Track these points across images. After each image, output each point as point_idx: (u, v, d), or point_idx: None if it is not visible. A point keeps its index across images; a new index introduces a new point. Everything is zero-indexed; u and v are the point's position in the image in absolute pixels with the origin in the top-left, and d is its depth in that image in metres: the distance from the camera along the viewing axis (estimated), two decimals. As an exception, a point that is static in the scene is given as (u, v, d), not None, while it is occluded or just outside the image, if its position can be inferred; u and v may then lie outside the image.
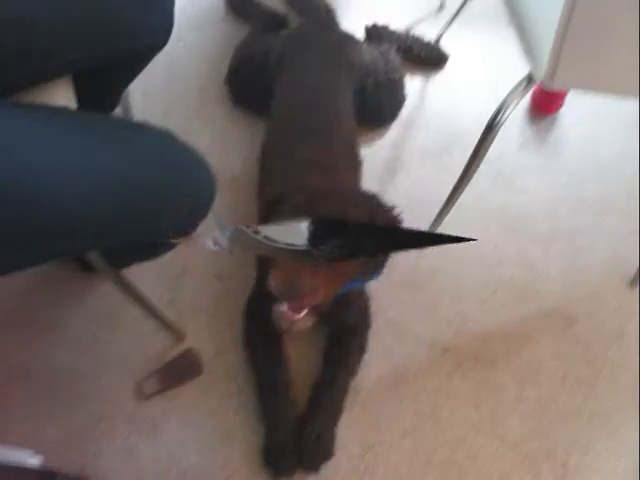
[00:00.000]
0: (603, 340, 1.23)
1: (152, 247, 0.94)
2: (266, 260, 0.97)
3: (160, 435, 1.09)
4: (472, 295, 1.27)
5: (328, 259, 0.79)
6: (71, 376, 1.14)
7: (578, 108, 1.55)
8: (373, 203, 0.96)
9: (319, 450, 1.05)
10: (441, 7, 1.72)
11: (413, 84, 1.56)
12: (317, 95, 1.25)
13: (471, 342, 1.22)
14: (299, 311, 0.96)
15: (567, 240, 1.36)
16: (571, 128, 1.52)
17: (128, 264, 1.17)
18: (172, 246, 0.93)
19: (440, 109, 1.54)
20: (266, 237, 0.80)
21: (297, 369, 1.14)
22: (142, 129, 0.80)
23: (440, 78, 1.60)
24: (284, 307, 0.96)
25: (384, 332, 1.21)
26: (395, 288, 1.26)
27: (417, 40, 1.59)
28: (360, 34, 1.56)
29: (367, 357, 1.16)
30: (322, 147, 1.16)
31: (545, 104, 1.52)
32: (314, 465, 1.05)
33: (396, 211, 0.98)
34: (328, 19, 1.55)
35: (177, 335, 1.17)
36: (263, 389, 1.10)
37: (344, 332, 1.14)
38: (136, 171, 0.73)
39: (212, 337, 1.19)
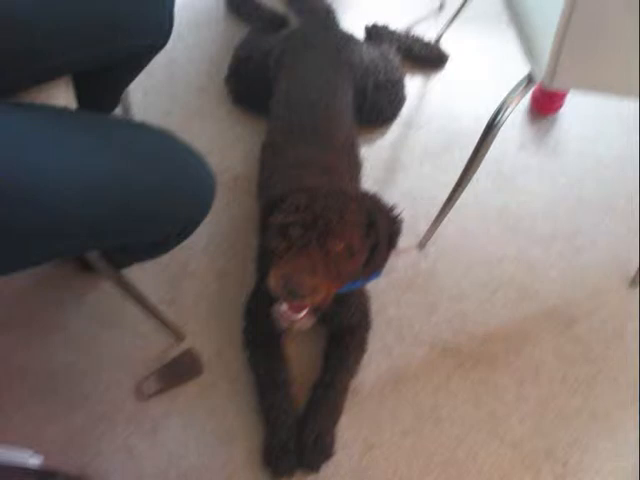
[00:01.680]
0: (603, 340, 1.23)
1: (152, 247, 0.94)
2: (266, 260, 0.97)
3: (160, 435, 1.09)
4: (472, 295, 1.27)
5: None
6: (71, 376, 1.14)
7: (578, 108, 1.55)
8: (373, 203, 0.96)
9: (319, 450, 1.05)
10: (441, 7, 1.72)
11: (413, 84, 1.57)
12: (317, 95, 1.25)
13: (471, 342, 1.22)
14: (299, 311, 0.96)
15: (567, 240, 1.36)
16: (571, 128, 1.52)
17: (128, 264, 1.17)
18: (172, 246, 0.93)
19: (440, 109, 1.54)
20: None
21: (297, 369, 1.14)
22: (142, 129, 0.81)
23: (440, 78, 1.60)
24: (284, 307, 0.96)
25: (384, 332, 1.21)
26: (395, 288, 1.27)
27: (417, 40, 1.59)
28: (360, 34, 1.56)
29: (367, 357, 1.16)
30: (322, 147, 1.16)
31: (545, 104, 1.52)
32: (314, 465, 1.05)
33: (396, 211, 0.98)
34: (328, 19, 1.55)
35: (177, 335, 1.17)
36: (263, 389, 1.10)
37: (344, 332, 1.14)
38: (136, 171, 0.74)
39: (212, 337, 1.19)
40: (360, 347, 1.15)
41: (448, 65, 1.61)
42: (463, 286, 1.28)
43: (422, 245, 1.32)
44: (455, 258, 1.32)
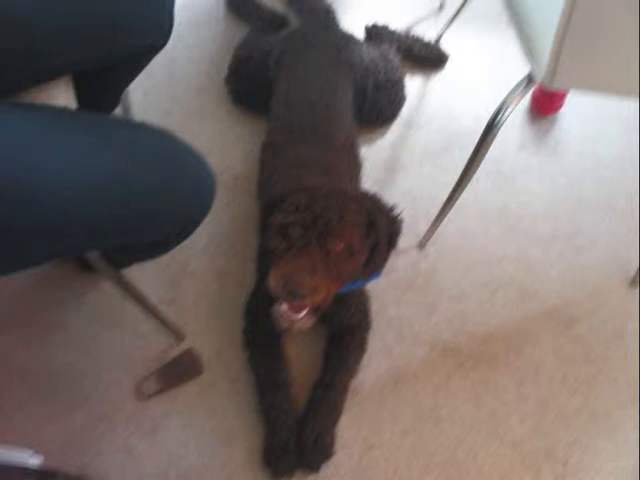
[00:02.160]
0: (603, 340, 1.23)
1: (152, 247, 0.94)
2: (266, 260, 0.97)
3: (160, 435, 1.09)
4: (472, 295, 1.27)
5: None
6: (71, 376, 1.14)
7: (578, 108, 1.55)
8: (373, 203, 0.96)
9: (319, 450, 1.05)
10: (441, 7, 1.72)
11: (413, 84, 1.57)
12: (317, 95, 1.25)
13: (471, 342, 1.22)
14: (299, 311, 0.96)
15: (567, 240, 1.36)
16: (571, 128, 1.52)
17: (128, 264, 1.17)
18: (172, 246, 0.93)
19: (440, 109, 1.54)
20: None
21: (297, 369, 1.14)
22: (142, 129, 0.81)
23: (440, 78, 1.60)
24: (284, 307, 0.96)
25: (384, 332, 1.21)
26: (395, 288, 1.27)
27: (417, 40, 1.59)
28: (360, 34, 1.56)
29: (367, 357, 1.16)
30: (322, 147, 1.16)
31: (545, 104, 1.52)
32: (314, 465, 1.05)
33: (396, 211, 0.98)
34: (328, 19, 1.55)
35: (177, 335, 1.17)
36: (263, 389, 1.10)
37: (344, 332, 1.14)
38: (136, 171, 0.74)
39: (212, 337, 1.19)
40: (360, 347, 1.15)
41: (448, 65, 1.61)
42: (463, 286, 1.28)
43: (422, 245, 1.32)
44: (455, 258, 1.32)
